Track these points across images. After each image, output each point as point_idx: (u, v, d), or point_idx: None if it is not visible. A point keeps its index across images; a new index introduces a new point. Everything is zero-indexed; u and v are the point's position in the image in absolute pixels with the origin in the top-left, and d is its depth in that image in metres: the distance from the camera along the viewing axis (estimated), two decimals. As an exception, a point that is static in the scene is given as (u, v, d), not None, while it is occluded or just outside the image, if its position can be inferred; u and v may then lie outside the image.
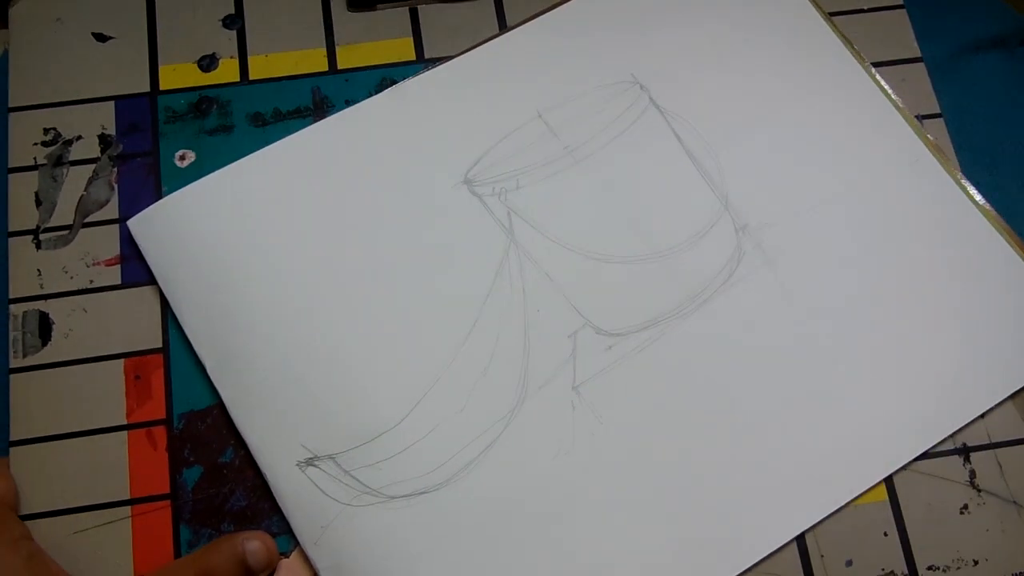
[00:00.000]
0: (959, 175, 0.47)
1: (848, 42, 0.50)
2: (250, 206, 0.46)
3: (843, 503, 0.42)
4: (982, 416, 0.43)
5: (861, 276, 0.46)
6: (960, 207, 0.47)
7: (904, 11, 0.51)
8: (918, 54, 0.50)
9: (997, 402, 0.43)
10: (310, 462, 0.42)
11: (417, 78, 0.49)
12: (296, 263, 0.45)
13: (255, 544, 0.39)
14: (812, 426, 0.43)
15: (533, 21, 0.50)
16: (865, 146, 0.48)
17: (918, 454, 0.43)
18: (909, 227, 0.46)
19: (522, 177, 0.47)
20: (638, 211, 0.46)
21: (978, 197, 0.47)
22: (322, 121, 0.48)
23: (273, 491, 0.41)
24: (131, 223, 0.46)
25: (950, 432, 0.43)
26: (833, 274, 0.45)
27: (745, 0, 0.51)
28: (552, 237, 0.46)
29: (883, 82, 0.49)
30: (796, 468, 0.42)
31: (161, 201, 0.46)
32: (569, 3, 0.50)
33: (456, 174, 0.47)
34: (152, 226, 0.45)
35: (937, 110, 0.49)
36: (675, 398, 0.43)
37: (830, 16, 0.50)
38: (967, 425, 0.43)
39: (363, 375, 0.43)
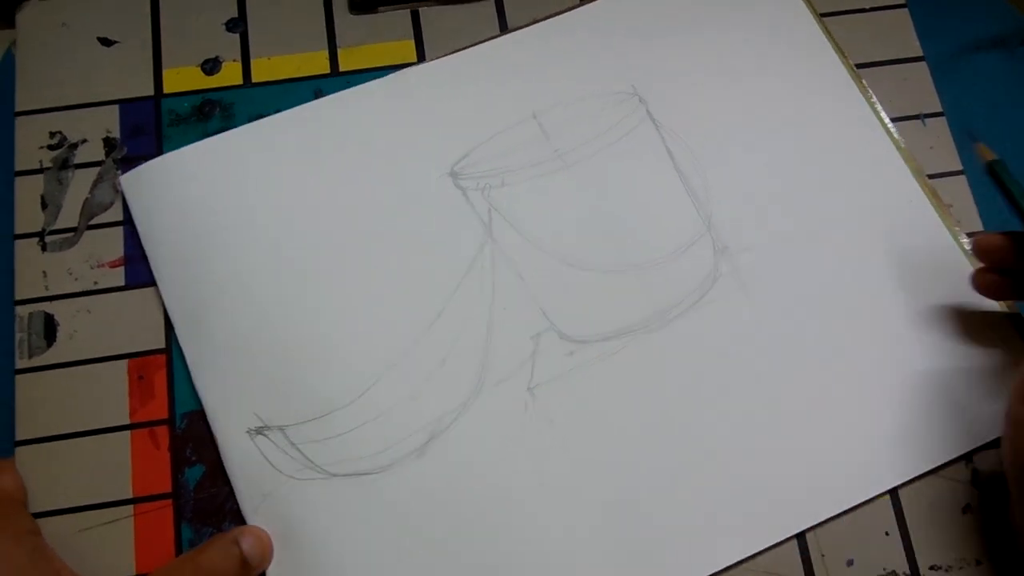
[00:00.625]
0: (951, 221, 0.46)
1: (857, 77, 0.49)
2: (239, 174, 0.46)
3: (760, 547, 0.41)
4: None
5: (841, 310, 0.44)
6: (950, 250, 0.46)
7: (906, 10, 0.51)
8: (920, 53, 0.50)
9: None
10: (260, 431, 0.42)
11: (418, 67, 0.49)
12: (273, 234, 0.45)
13: (250, 540, 0.39)
14: (766, 457, 0.42)
15: (541, 23, 0.50)
16: (858, 183, 0.47)
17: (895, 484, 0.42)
18: (896, 264, 0.45)
19: (508, 175, 0.47)
20: (619, 221, 0.46)
21: (967, 245, 0.46)
22: (322, 99, 0.48)
23: (221, 455, 0.42)
24: (123, 178, 0.47)
25: (951, 457, 0.43)
26: (810, 305, 0.45)
27: (754, 22, 0.50)
28: (529, 238, 0.46)
29: (890, 127, 0.48)
30: (742, 497, 0.42)
31: (155, 160, 0.47)
32: (577, 10, 0.50)
33: (443, 165, 0.47)
34: (143, 183, 0.46)
35: (939, 109, 0.49)
36: (630, 411, 0.43)
37: (822, 17, 0.51)
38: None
39: (323, 351, 0.43)
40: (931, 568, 0.41)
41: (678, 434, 0.42)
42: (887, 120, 0.48)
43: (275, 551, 0.41)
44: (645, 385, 0.43)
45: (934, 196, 0.47)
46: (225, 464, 0.42)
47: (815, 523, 0.41)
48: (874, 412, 0.43)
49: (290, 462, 0.42)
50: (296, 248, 0.45)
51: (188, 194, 0.46)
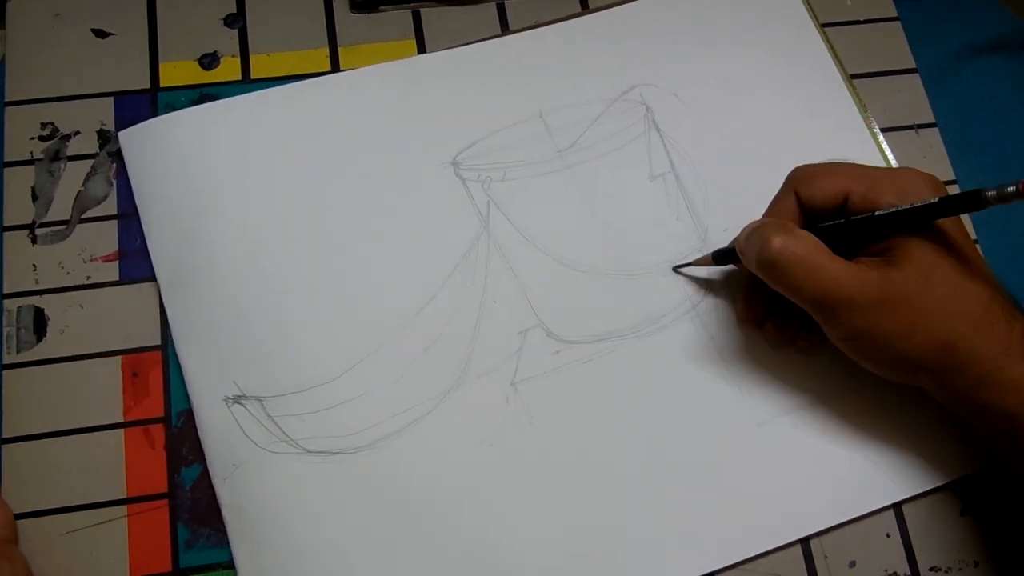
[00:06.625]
0: None
1: (856, 93, 0.49)
2: (238, 141, 0.46)
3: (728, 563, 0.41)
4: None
5: None
6: None
7: (898, 23, 0.52)
8: (912, 65, 0.51)
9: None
10: (237, 399, 0.42)
11: (431, 55, 0.49)
12: (269, 204, 0.45)
13: None
14: (747, 473, 0.42)
15: (549, 27, 0.50)
16: None
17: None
18: None
19: (510, 170, 0.47)
20: (616, 226, 0.46)
21: None
22: (327, 76, 0.48)
23: (196, 420, 0.42)
24: (122, 134, 0.46)
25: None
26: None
27: (761, 35, 0.50)
28: (525, 233, 0.46)
29: (886, 151, 0.49)
30: (699, 515, 0.41)
31: (155, 119, 0.46)
32: (583, 17, 0.50)
33: (446, 154, 0.47)
34: (141, 141, 0.46)
35: (931, 119, 0.50)
36: (611, 415, 0.43)
37: (824, 26, 0.51)
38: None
39: (309, 326, 0.43)
40: (931, 569, 0.42)
41: (659, 442, 0.42)
42: (882, 140, 0.49)
43: (242, 523, 0.40)
44: (629, 390, 0.43)
45: None
46: (199, 430, 0.42)
47: (786, 542, 0.41)
48: (865, 430, 0.43)
49: (265, 434, 0.41)
50: (289, 220, 0.45)
51: (184, 156, 0.46)
